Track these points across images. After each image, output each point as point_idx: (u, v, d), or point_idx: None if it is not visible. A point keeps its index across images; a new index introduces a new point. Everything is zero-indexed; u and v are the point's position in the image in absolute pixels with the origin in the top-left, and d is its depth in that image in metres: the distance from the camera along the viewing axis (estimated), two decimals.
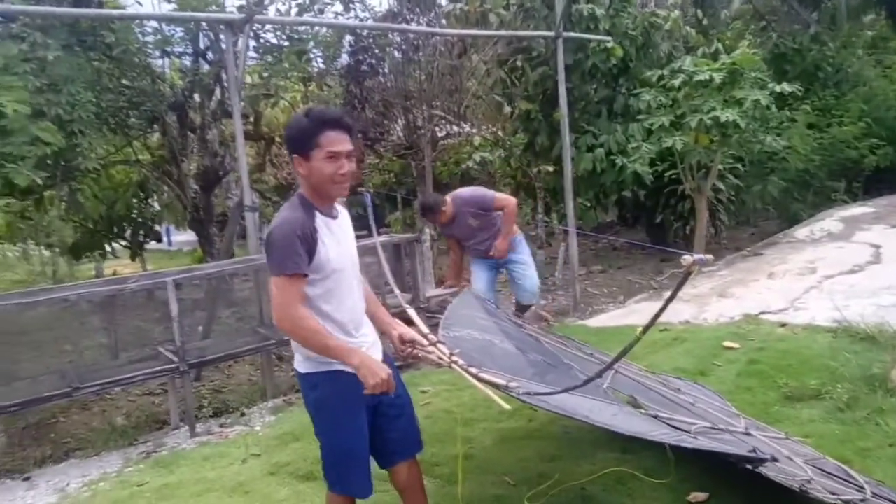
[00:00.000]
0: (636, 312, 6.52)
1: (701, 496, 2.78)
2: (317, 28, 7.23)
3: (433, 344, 2.52)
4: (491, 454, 3.38)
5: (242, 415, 4.69)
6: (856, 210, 9.67)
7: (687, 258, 1.74)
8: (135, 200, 9.67)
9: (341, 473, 2.28)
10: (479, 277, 5.56)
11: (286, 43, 6.81)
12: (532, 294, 5.76)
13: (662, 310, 1.91)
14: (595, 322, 6.38)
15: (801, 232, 8.89)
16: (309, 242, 2.06)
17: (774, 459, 2.26)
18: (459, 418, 3.67)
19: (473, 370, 2.44)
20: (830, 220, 9.12)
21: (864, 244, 7.65)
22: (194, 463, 3.75)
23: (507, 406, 2.38)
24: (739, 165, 9.48)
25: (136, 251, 10.17)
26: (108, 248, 10.08)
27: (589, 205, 10.46)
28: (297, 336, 2.14)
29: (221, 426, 4.49)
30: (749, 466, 2.32)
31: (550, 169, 9.27)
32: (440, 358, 2.49)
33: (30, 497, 3.64)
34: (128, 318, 4.43)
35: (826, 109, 11.70)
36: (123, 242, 10.26)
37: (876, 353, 4.26)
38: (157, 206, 10.58)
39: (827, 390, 3.72)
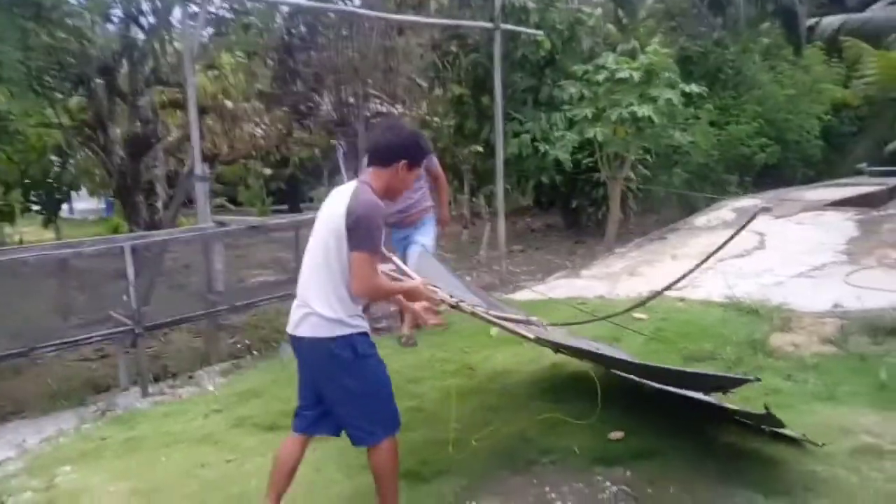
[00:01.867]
0: (556, 288, 7.12)
1: (619, 434, 3.33)
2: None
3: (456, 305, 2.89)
4: (438, 407, 3.80)
5: (191, 377, 4.87)
6: (746, 202, 10.76)
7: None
8: (52, 164, 9.31)
9: (393, 414, 2.55)
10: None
11: (230, 15, 6.85)
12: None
13: (720, 248, 2.52)
14: (519, 297, 6.91)
15: (699, 220, 9.83)
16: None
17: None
18: (410, 376, 4.07)
19: (496, 313, 2.96)
20: (724, 210, 10.13)
21: (752, 232, 8.62)
22: (155, 419, 3.95)
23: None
24: (648, 157, 10.32)
25: (50, 217, 9.80)
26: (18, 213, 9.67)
27: (510, 188, 11.04)
28: (377, 298, 2.66)
29: (172, 387, 4.66)
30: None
31: (479, 150, 9.73)
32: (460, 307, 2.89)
33: None
34: (79, 282, 4.49)
35: (725, 109, 12.85)
36: (36, 207, 9.86)
37: (758, 324, 5.04)
38: (73, 171, 10.21)
39: (719, 352, 4.42)
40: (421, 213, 4.99)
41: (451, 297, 2.90)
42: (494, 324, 2.95)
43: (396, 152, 2.51)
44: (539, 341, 2.90)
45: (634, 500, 2.80)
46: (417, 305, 2.65)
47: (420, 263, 4.00)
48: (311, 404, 2.60)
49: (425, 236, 4.95)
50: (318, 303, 2.40)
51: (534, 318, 3.27)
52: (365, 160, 2.65)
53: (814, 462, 2.99)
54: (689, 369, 3.19)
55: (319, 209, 2.56)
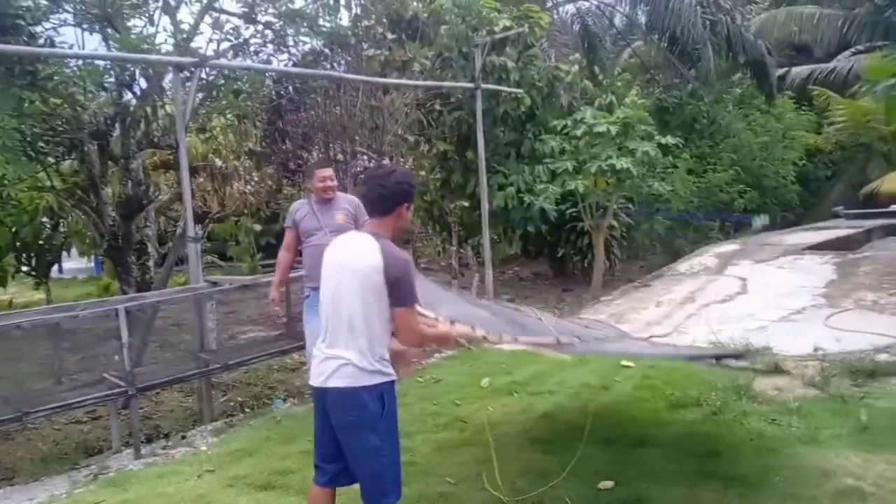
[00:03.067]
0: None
1: (608, 484, 3.39)
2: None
3: (483, 338, 2.99)
4: (431, 460, 3.84)
5: (183, 437, 4.86)
6: (727, 247, 11.01)
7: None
8: (43, 227, 9.39)
9: (399, 479, 2.53)
10: (313, 316, 3.90)
11: (221, 81, 7.10)
12: None
13: None
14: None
15: (682, 266, 10.04)
16: None
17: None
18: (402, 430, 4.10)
19: (524, 338, 3.28)
20: (707, 256, 10.36)
21: (734, 277, 8.84)
22: (148, 481, 3.94)
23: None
24: (630, 206, 10.60)
25: (41, 279, 9.83)
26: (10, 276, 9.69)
27: (497, 238, 11.24)
28: (421, 345, 2.72)
29: (165, 448, 4.65)
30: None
31: (465, 204, 9.95)
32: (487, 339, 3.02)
33: None
34: (72, 344, 4.54)
35: (702, 157, 13.26)
36: (26, 269, 9.89)
37: (742, 369, 5.14)
38: (64, 233, 10.29)
39: (704, 398, 4.51)
40: None
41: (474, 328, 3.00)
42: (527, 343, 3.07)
43: (396, 199, 2.60)
44: (560, 346, 3.02)
45: None
46: (402, 364, 2.76)
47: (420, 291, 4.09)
48: (333, 458, 2.58)
49: None
50: (355, 353, 2.45)
51: (563, 338, 3.57)
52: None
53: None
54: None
55: (327, 257, 2.64)
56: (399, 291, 2.46)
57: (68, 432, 5.59)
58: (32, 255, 9.52)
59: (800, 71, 16.90)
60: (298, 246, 4.69)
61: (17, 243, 9.06)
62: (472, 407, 4.79)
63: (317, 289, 3.71)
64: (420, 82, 7.91)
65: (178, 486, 3.81)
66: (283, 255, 4.76)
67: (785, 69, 16.91)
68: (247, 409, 5.57)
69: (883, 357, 5.12)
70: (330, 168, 4.58)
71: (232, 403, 5.95)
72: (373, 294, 2.46)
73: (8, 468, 4.74)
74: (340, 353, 2.48)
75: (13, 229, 8.78)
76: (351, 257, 2.53)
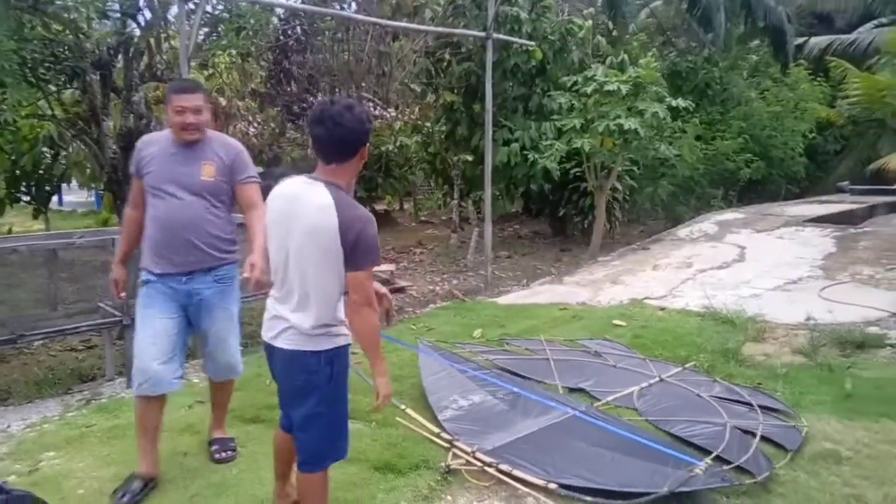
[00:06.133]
0: (539, 293, 7.25)
1: None
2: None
3: (485, 463, 3.05)
4: (419, 404, 3.90)
5: None
6: (729, 215, 10.97)
7: None
8: (43, 156, 9.33)
9: (344, 438, 2.41)
10: (151, 317, 2.94)
11: (226, 15, 6.94)
12: (230, 367, 3.32)
13: None
14: (503, 300, 7.04)
15: (682, 231, 10.02)
16: None
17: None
18: (392, 375, 4.15)
19: (506, 468, 3.03)
20: (707, 223, 10.34)
21: (733, 245, 8.83)
22: None
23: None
24: (635, 168, 10.51)
25: (40, 209, 9.82)
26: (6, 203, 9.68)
27: (498, 195, 11.19)
28: (370, 324, 2.23)
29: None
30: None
31: (469, 158, 9.86)
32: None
33: None
34: (68, 273, 4.55)
35: (711, 124, 13.09)
36: (26, 198, 9.87)
37: (733, 333, 5.20)
38: (64, 163, 10.23)
39: (693, 359, 4.55)
40: (224, 258, 3.07)
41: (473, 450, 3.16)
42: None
43: (357, 142, 2.23)
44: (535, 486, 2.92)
45: None
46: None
47: (427, 376, 4.14)
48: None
49: (229, 299, 3.13)
50: (304, 316, 2.23)
51: (581, 407, 3.62)
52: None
53: (775, 465, 3.11)
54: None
55: (273, 206, 2.29)
56: (356, 255, 2.16)
57: (63, 359, 5.65)
58: (32, 184, 9.47)
59: (819, 41, 16.54)
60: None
61: (17, 171, 9.00)
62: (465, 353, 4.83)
63: (163, 275, 2.93)
64: (431, 27, 7.72)
65: (169, 415, 3.83)
66: (130, 214, 3.13)
67: (804, 38, 16.55)
68: (240, 347, 5.62)
69: (873, 330, 5.15)
70: (198, 93, 2.97)
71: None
72: (325, 258, 2.16)
73: (3, 389, 4.81)
74: (289, 315, 2.25)
75: (12, 157, 8.72)
76: (303, 212, 2.18)
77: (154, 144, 3.01)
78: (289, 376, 2.34)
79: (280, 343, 2.29)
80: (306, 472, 2.39)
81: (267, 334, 2.36)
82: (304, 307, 2.23)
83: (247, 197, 3.07)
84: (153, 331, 2.91)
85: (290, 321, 2.26)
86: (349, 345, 2.34)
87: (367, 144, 2.29)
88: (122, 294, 3.24)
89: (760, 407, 3.70)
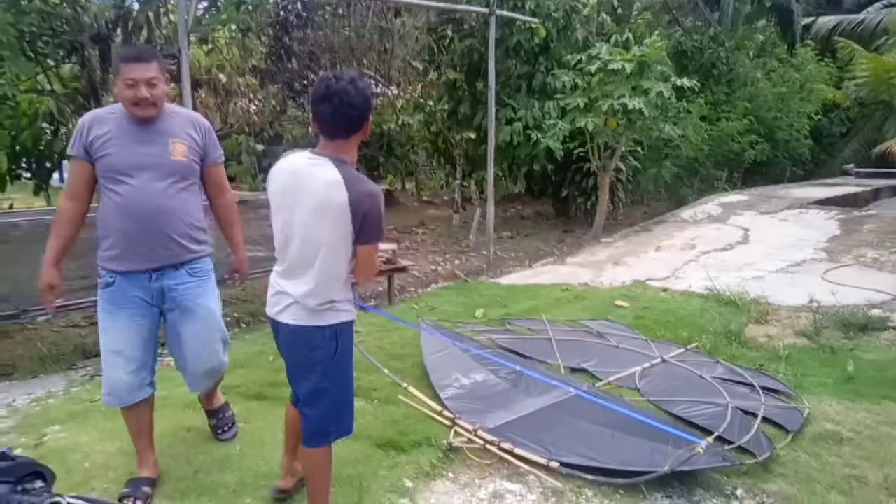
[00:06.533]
0: (541, 274, 7.24)
1: None
2: None
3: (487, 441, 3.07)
4: (421, 382, 3.90)
5: None
6: (733, 197, 10.93)
7: None
8: (43, 132, 9.24)
9: (349, 414, 2.41)
10: (115, 324, 2.64)
11: None
12: (214, 372, 3.00)
13: None
14: (506, 280, 7.03)
15: (686, 213, 9.99)
16: None
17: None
18: (394, 353, 4.18)
19: (508, 447, 3.04)
20: (711, 205, 10.30)
21: (737, 227, 8.80)
22: None
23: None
24: (639, 149, 10.44)
25: (41, 185, 9.74)
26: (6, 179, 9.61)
27: (501, 175, 11.13)
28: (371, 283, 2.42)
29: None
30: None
31: (472, 136, 9.78)
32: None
33: None
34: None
35: (717, 104, 12.99)
36: (27, 175, 9.79)
37: (736, 315, 5.19)
38: (65, 139, 10.15)
39: (695, 340, 4.55)
40: (199, 251, 2.74)
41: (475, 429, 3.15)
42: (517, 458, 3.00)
43: (363, 117, 2.22)
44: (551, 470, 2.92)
45: None
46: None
47: (428, 355, 4.12)
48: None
49: (208, 296, 2.79)
50: (310, 291, 2.22)
51: (583, 386, 3.64)
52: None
53: (776, 446, 3.12)
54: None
55: (278, 182, 2.25)
56: (365, 230, 2.18)
57: (67, 335, 5.66)
58: (32, 160, 9.40)
59: (826, 21, 16.34)
60: (93, 193, 2.65)
61: (17, 147, 8.92)
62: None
63: (125, 273, 2.58)
64: (433, 3, 7.62)
65: (172, 390, 3.87)
66: (69, 207, 2.62)
67: (811, 18, 16.36)
68: (242, 325, 5.64)
69: (876, 312, 5.14)
70: (153, 62, 2.55)
71: (228, 319, 6.01)
72: (334, 233, 2.17)
73: (7, 365, 4.82)
74: (293, 290, 2.25)
75: (12, 133, 8.63)
76: (310, 188, 2.16)
77: (106, 122, 2.57)
78: (294, 351, 2.34)
79: (285, 318, 2.28)
80: (311, 447, 2.40)
81: (272, 310, 2.35)
82: (310, 283, 2.22)
83: (218, 179, 2.84)
84: (119, 338, 2.63)
85: (294, 297, 2.25)
86: (353, 321, 2.35)
87: (370, 118, 2.28)
88: (57, 301, 2.75)
89: (762, 388, 3.70)
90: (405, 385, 3.76)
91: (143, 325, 2.66)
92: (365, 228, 2.18)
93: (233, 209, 2.94)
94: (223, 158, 2.88)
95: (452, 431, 3.24)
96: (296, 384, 2.43)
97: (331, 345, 2.26)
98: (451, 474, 2.95)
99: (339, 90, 2.14)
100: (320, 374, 2.29)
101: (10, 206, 9.77)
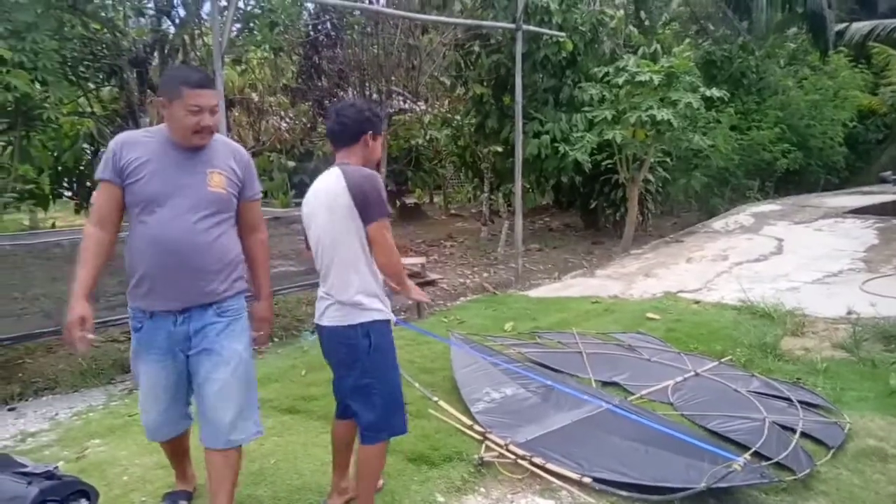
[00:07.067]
0: (571, 286, 7.20)
1: None
2: None
3: (519, 456, 3.10)
4: (451, 396, 3.91)
5: None
6: (765, 207, 10.74)
7: None
8: (84, 153, 9.54)
9: (399, 414, 2.54)
10: (146, 369, 2.49)
11: (258, 10, 7.01)
12: (232, 427, 2.49)
13: None
14: (535, 293, 7.01)
15: (717, 224, 9.85)
16: None
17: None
18: (425, 367, 4.19)
19: (539, 461, 3.05)
20: (743, 215, 10.13)
21: (770, 237, 8.64)
22: None
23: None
24: (668, 160, 10.34)
25: (82, 204, 10.04)
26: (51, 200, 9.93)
27: (529, 187, 11.13)
28: (398, 269, 2.55)
29: None
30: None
31: (499, 150, 9.82)
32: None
33: (21, 424, 3.90)
34: (110, 265, 4.65)
35: (747, 113, 12.79)
36: (68, 194, 10.10)
37: (771, 328, 5.09)
38: None
39: (729, 353, 4.48)
40: (230, 289, 2.47)
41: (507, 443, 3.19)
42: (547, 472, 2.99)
43: (359, 129, 2.52)
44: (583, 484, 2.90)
45: None
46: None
47: (458, 369, 4.15)
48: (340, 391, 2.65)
49: (237, 338, 2.47)
50: (338, 290, 2.44)
51: (615, 400, 3.65)
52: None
53: (816, 462, 3.05)
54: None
55: (308, 208, 2.54)
56: (368, 207, 2.40)
57: (106, 349, 5.80)
58: (74, 180, 9.70)
59: (860, 27, 16.00)
60: (122, 220, 2.46)
61: (59, 168, 9.22)
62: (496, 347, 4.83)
63: (153, 316, 2.40)
64: (460, 20, 7.71)
65: None
66: (97, 235, 2.42)
67: (844, 24, 16.04)
68: (275, 339, 5.72)
69: None
70: (214, 89, 2.48)
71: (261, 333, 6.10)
72: (346, 224, 2.41)
73: (50, 379, 4.97)
74: (326, 290, 2.51)
75: (55, 154, 8.94)
76: (322, 191, 2.48)
77: (141, 145, 2.37)
78: (332, 350, 2.56)
79: (324, 321, 2.52)
80: (364, 443, 2.54)
81: (316, 317, 2.59)
82: (335, 278, 2.46)
83: (254, 217, 2.61)
84: (146, 381, 2.50)
85: (329, 299, 2.49)
86: (388, 321, 2.52)
87: (372, 133, 2.56)
88: (91, 337, 2.43)
89: (800, 402, 3.62)
90: (436, 399, 3.78)
91: (171, 372, 2.47)
92: (367, 207, 2.40)
93: (264, 248, 2.67)
94: (260, 195, 2.67)
95: (483, 446, 3.24)
96: (341, 382, 2.60)
97: (364, 342, 2.44)
98: (482, 489, 2.95)
99: (338, 109, 2.57)
100: (359, 371, 2.47)
101: (53, 225, 10.09)
